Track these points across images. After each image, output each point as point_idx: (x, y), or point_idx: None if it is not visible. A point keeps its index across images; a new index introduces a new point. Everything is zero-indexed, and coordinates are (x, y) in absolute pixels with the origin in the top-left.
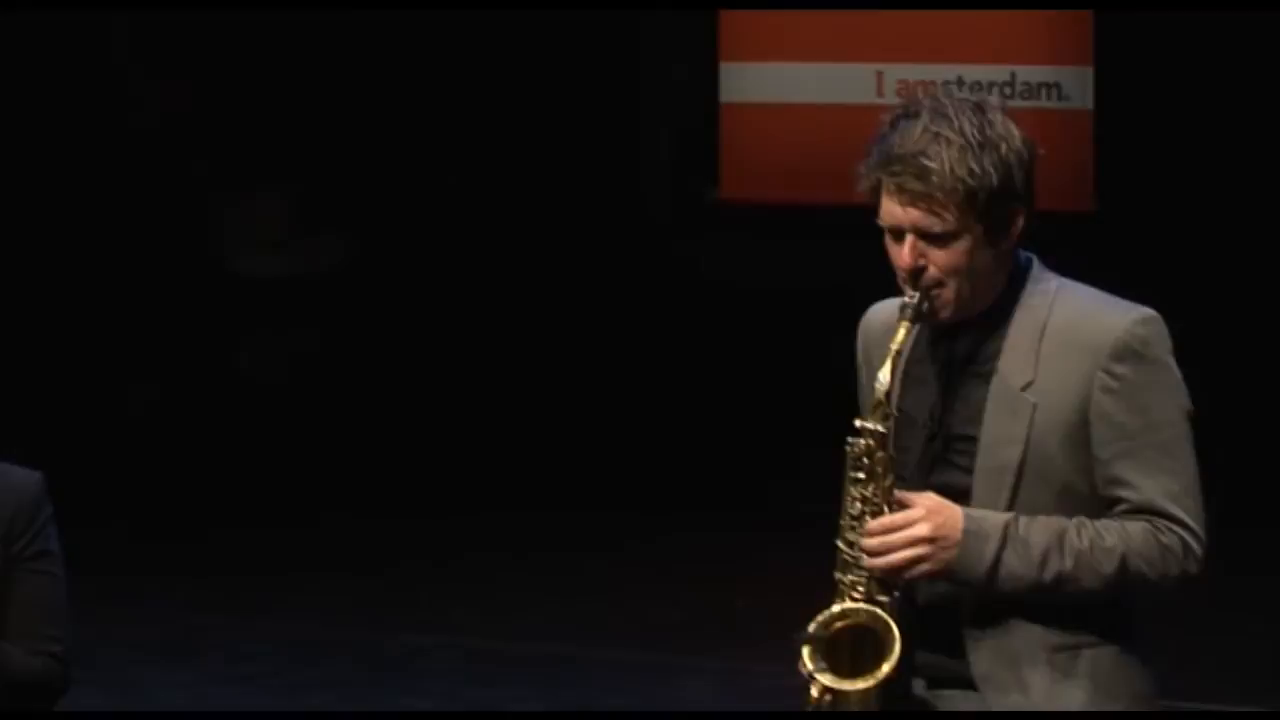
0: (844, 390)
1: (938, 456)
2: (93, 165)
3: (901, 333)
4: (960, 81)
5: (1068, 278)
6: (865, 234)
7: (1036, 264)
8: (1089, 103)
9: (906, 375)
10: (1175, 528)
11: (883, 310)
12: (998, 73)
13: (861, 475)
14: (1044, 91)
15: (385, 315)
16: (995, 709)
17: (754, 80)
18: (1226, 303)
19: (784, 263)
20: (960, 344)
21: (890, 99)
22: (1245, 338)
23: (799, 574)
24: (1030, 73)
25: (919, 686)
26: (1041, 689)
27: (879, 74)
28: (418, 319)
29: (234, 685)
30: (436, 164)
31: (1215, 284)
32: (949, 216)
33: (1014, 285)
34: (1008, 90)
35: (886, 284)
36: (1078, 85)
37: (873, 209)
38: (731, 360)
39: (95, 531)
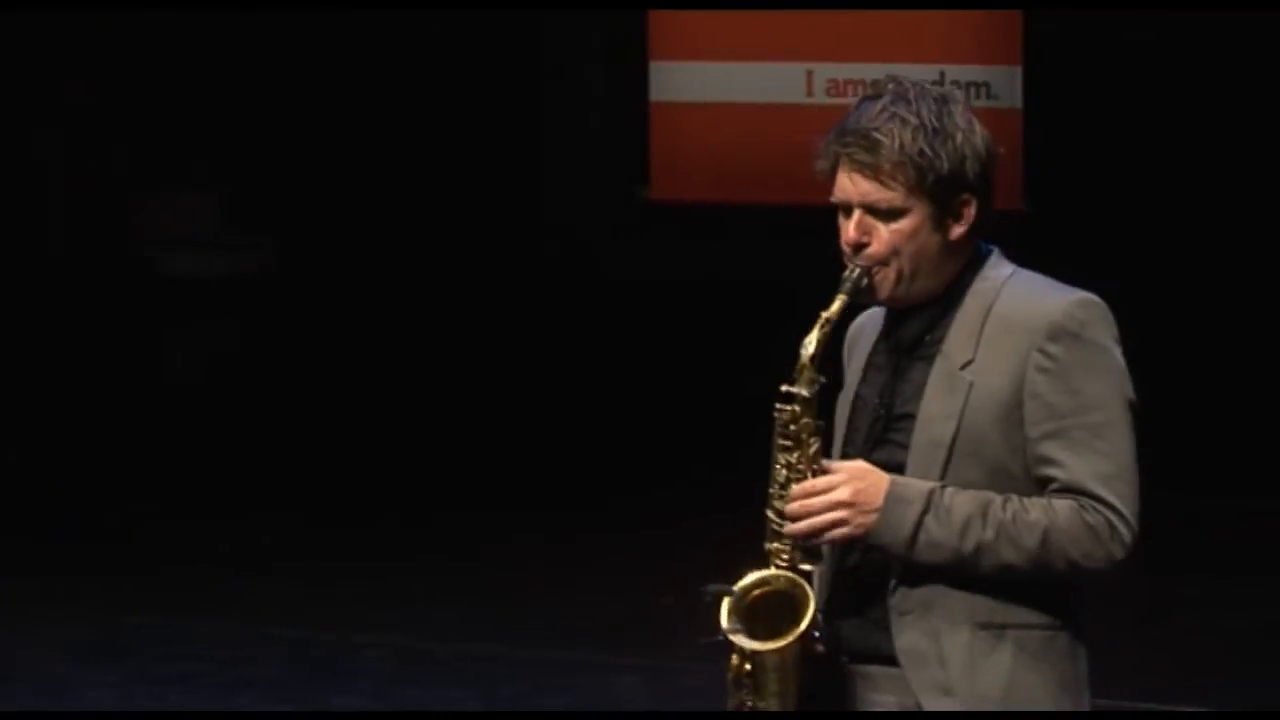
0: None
1: (880, 436)
2: (21, 164)
3: (836, 303)
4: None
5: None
6: (795, 232)
7: (997, 254)
8: (1018, 102)
9: (868, 363)
10: (1102, 509)
11: (870, 315)
12: (927, 72)
13: (788, 442)
14: (973, 91)
15: (313, 315)
16: (913, 683)
17: (683, 80)
18: (1154, 300)
19: (714, 261)
20: (910, 327)
21: (820, 98)
22: (1172, 335)
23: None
24: (960, 72)
25: (844, 661)
26: (960, 664)
27: (809, 73)
28: (346, 319)
29: (163, 685)
30: (362, 167)
31: (1143, 282)
32: (895, 191)
33: (967, 273)
34: (951, 88)
35: (817, 281)
36: (1007, 84)
37: (803, 207)
38: (660, 359)
39: (22, 531)
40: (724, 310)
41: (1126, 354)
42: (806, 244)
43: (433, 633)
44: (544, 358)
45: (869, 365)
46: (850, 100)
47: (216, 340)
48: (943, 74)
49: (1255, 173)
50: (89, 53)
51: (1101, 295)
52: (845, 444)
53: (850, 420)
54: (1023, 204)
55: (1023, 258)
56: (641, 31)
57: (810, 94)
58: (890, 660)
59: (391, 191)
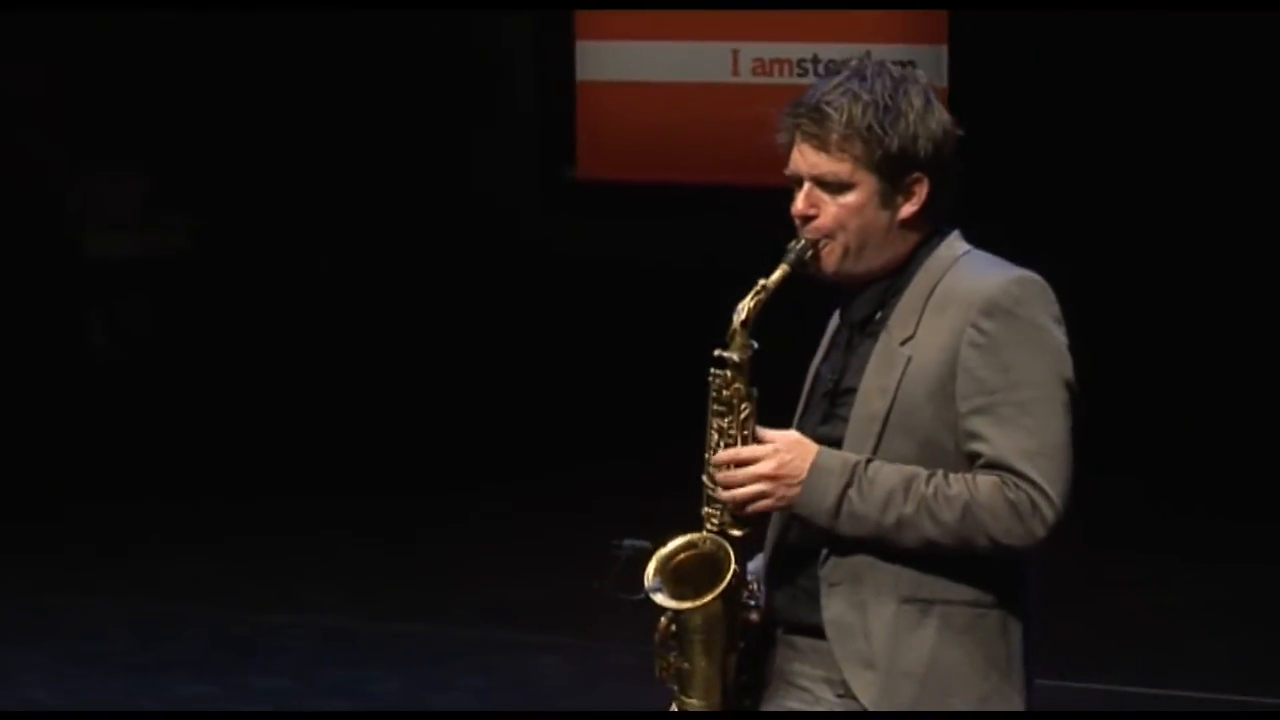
0: (701, 366)
1: (828, 410)
2: None
3: (777, 273)
4: (815, 59)
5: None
6: (723, 211)
7: (955, 235)
8: (943, 80)
9: (831, 340)
10: (1025, 485)
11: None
12: (852, 51)
13: (721, 407)
14: None
15: (236, 295)
16: (837, 655)
17: (610, 59)
18: (1077, 280)
19: (641, 240)
20: (861, 305)
21: (746, 77)
22: (1102, 314)
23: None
24: (885, 51)
25: (778, 633)
26: (884, 638)
27: (734, 52)
28: (272, 298)
29: (87, 664)
30: (287, 147)
31: (1065, 261)
32: (843, 164)
33: (919, 253)
34: (915, 69)
35: (744, 261)
36: (932, 63)
37: (729, 187)
38: (588, 337)
39: None
40: (650, 288)
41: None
42: (732, 222)
43: (355, 612)
44: (471, 337)
45: (831, 343)
46: (776, 80)
47: (139, 320)
48: (868, 53)
49: (1178, 149)
50: (12, 36)
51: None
52: (801, 418)
53: (809, 394)
54: None
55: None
56: (568, 11)
57: (736, 73)
58: (819, 632)
59: (318, 171)
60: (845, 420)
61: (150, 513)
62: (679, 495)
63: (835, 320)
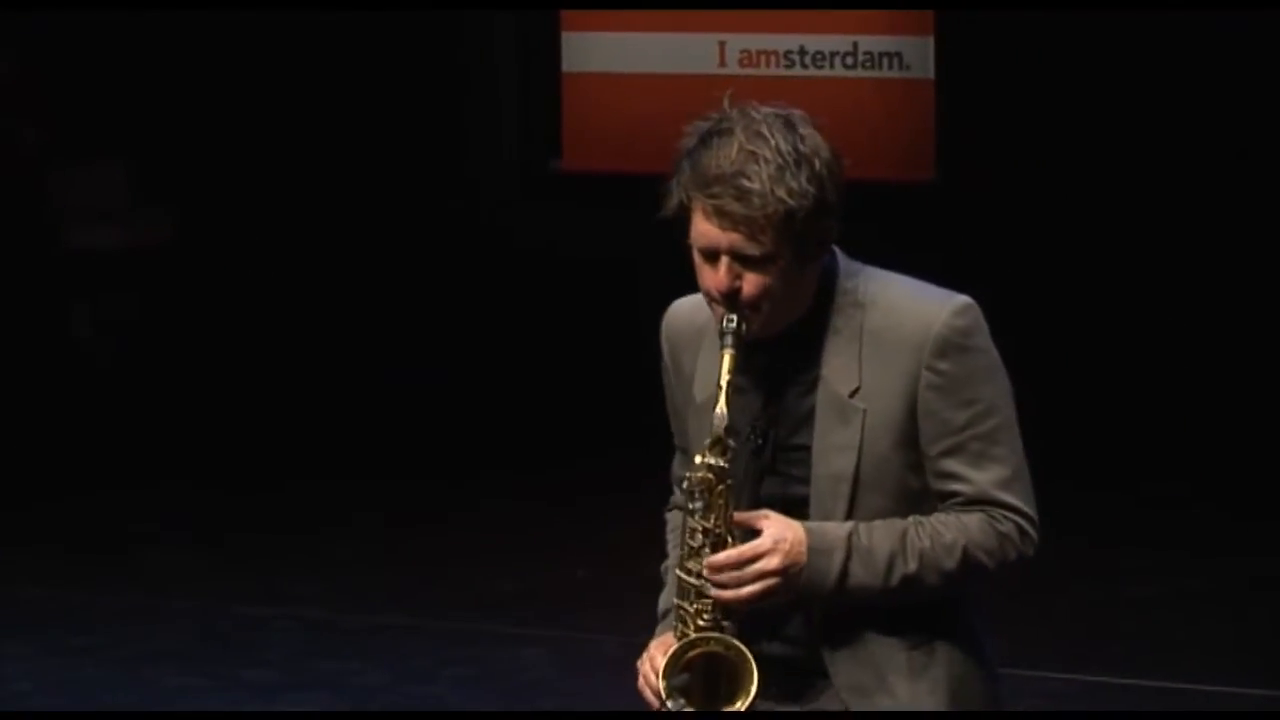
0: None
1: (767, 468)
2: None
3: (728, 360)
4: (802, 51)
5: (875, 264)
6: None
7: (841, 259)
8: (930, 72)
9: (728, 385)
10: (1010, 514)
11: (684, 308)
12: (840, 42)
13: (700, 505)
14: (885, 61)
15: (221, 286)
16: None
17: (596, 50)
18: (1062, 273)
19: (626, 233)
20: (779, 354)
21: (733, 69)
22: (1080, 308)
23: (637, 543)
24: (872, 42)
25: (771, 693)
26: (906, 689)
27: (721, 44)
28: (258, 291)
29: (73, 657)
30: (272, 139)
31: (1052, 254)
32: (766, 239)
33: (825, 287)
34: (849, 60)
35: None
36: (919, 55)
37: None
38: (574, 329)
39: None
40: (635, 280)
41: (1032, 326)
42: None
43: (341, 604)
44: (455, 328)
45: (729, 387)
46: (763, 71)
47: (123, 312)
48: (855, 45)
49: (1166, 143)
50: None
51: (1008, 267)
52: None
53: (719, 443)
54: (934, 175)
55: (932, 228)
56: (553, 2)
57: (723, 64)
58: (819, 674)
59: (303, 162)
60: (798, 480)
61: (135, 505)
62: (661, 488)
63: (694, 354)
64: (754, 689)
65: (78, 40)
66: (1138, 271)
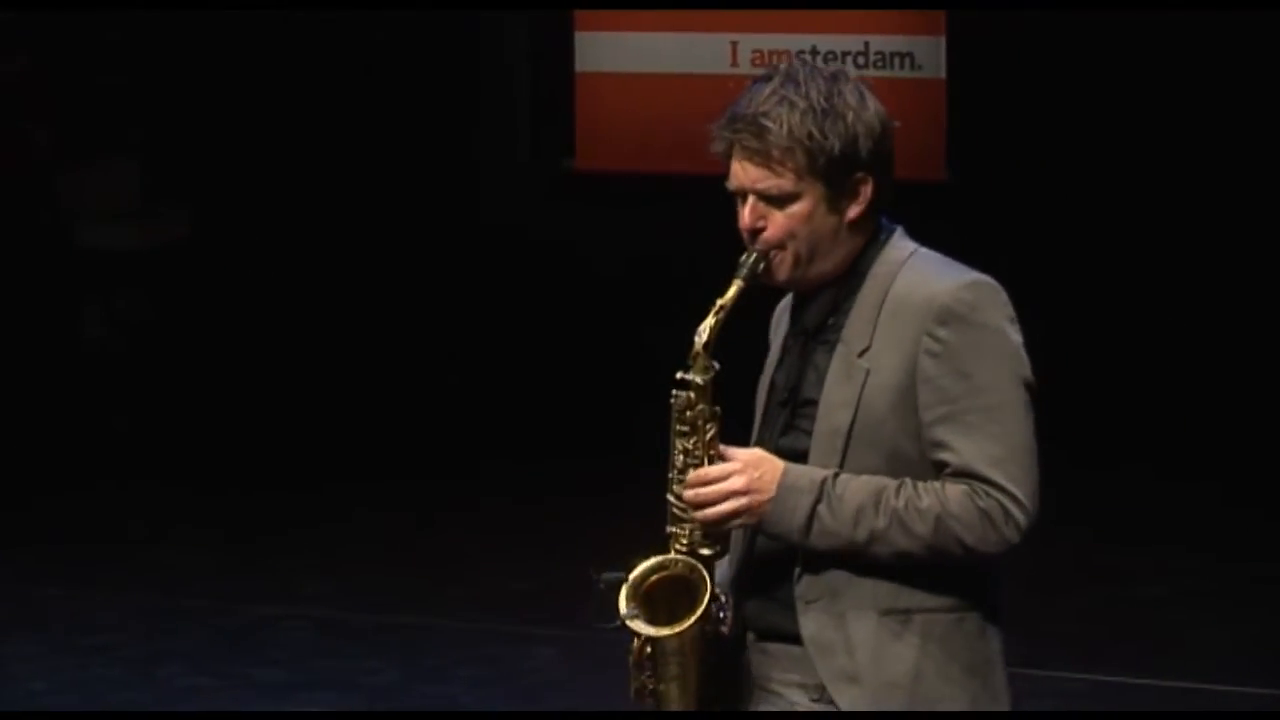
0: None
1: (788, 422)
2: None
3: (732, 290)
4: (814, 51)
5: (926, 247)
6: (721, 203)
7: (898, 233)
8: (941, 72)
9: (783, 346)
10: (995, 493)
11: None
12: (852, 42)
13: (684, 428)
14: (897, 61)
15: (235, 286)
16: (820, 671)
17: (609, 50)
18: (1074, 271)
19: (639, 232)
20: (811, 312)
21: (745, 69)
22: (1091, 307)
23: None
24: (884, 42)
25: (750, 639)
26: (867, 650)
27: (734, 44)
28: (271, 290)
29: (84, 656)
30: (285, 138)
31: (1063, 252)
32: (786, 177)
33: (869, 253)
34: (861, 60)
35: (741, 252)
36: (930, 55)
37: (727, 178)
38: (586, 328)
39: None
40: (648, 279)
41: (1044, 324)
42: (730, 214)
43: (351, 604)
44: (469, 327)
45: (784, 349)
46: None
47: (137, 311)
48: (867, 44)
49: (1177, 142)
50: (10, 24)
51: (1020, 266)
52: (760, 428)
53: (766, 404)
54: (945, 174)
55: (943, 228)
56: (567, 2)
57: (735, 64)
58: (795, 639)
59: (316, 162)
60: (806, 433)
61: (147, 504)
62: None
63: (783, 324)
64: (704, 604)
65: (90, 40)
66: (1149, 269)
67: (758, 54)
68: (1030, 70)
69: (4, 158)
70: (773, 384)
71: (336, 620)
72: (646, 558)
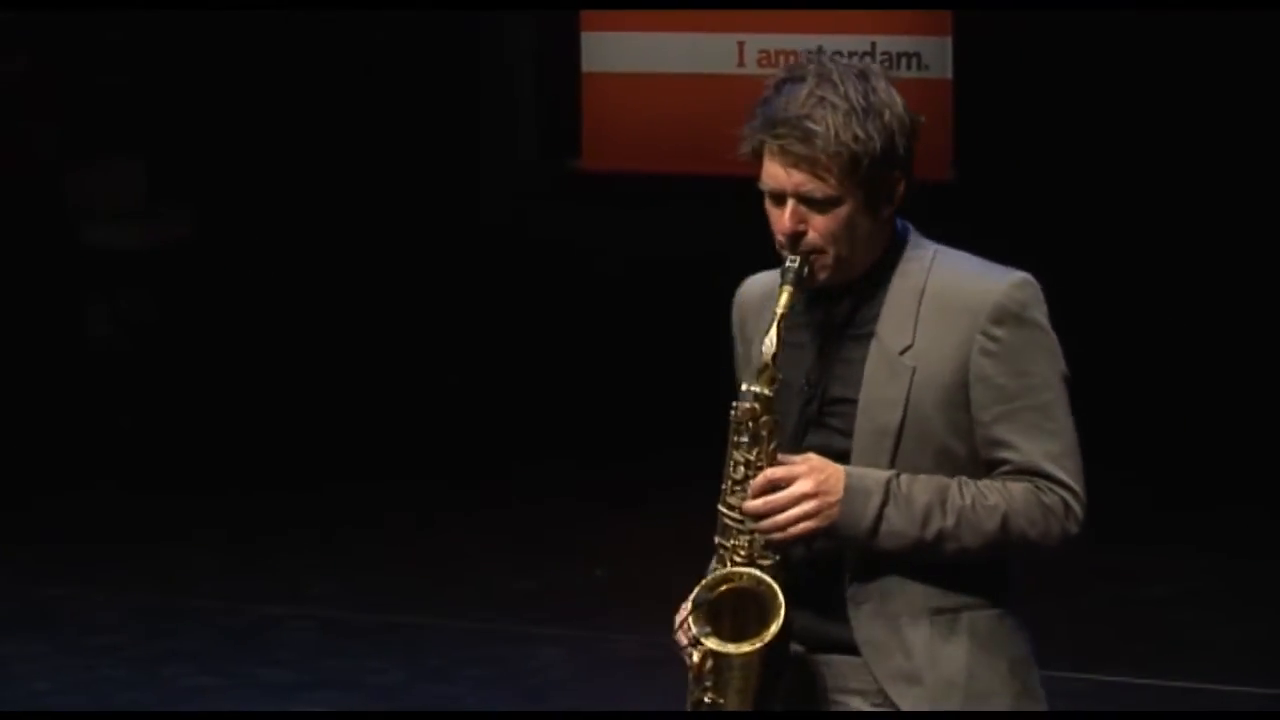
0: (705, 360)
1: (813, 419)
2: None
3: (785, 297)
4: (821, 51)
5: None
6: (727, 203)
7: (914, 232)
8: (948, 72)
9: (785, 342)
10: (1057, 488)
11: (758, 283)
12: (858, 43)
13: (745, 439)
14: (904, 61)
15: (239, 286)
16: (878, 674)
17: (615, 50)
18: (1079, 271)
19: (646, 232)
20: (838, 308)
21: (751, 69)
22: (1097, 307)
23: (656, 542)
24: (890, 42)
25: (798, 650)
26: (923, 651)
27: (740, 44)
28: (275, 290)
29: (89, 656)
30: (289, 137)
31: (1069, 253)
32: (831, 181)
33: (892, 251)
34: (868, 60)
35: (749, 252)
36: (937, 55)
37: (735, 178)
38: (593, 328)
39: None
40: (654, 280)
41: (1053, 323)
42: (737, 214)
43: (357, 604)
44: (475, 327)
45: (784, 343)
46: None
47: (141, 311)
48: (874, 45)
49: (1182, 141)
50: (15, 24)
51: (1028, 266)
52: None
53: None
54: (951, 175)
55: (951, 227)
56: (573, 2)
57: (741, 64)
58: (850, 648)
59: (320, 162)
60: (841, 432)
61: (152, 504)
62: (683, 489)
63: (759, 318)
64: (779, 623)
65: (95, 39)
66: (1156, 269)
67: (764, 54)
68: (1036, 70)
69: (8, 157)
70: (772, 347)
71: (341, 620)
72: (711, 571)
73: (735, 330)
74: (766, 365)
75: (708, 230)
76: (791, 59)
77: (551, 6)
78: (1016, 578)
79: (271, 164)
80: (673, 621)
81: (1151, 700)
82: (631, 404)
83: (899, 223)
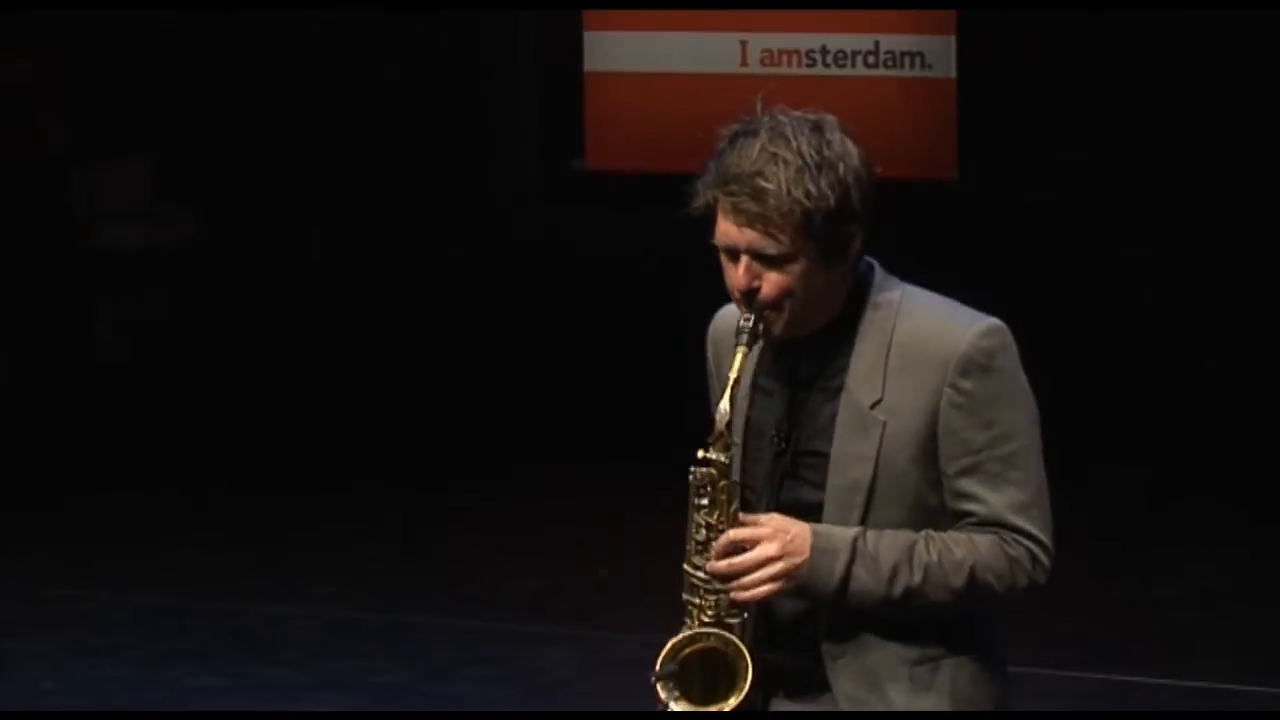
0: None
1: (787, 472)
2: None
3: (739, 358)
4: (824, 50)
5: (910, 282)
6: None
7: (878, 272)
8: (952, 71)
9: (754, 386)
10: (1023, 540)
11: (729, 313)
12: (862, 41)
13: (705, 503)
14: (907, 60)
15: (245, 287)
16: None
17: (618, 50)
18: (1083, 271)
19: (648, 233)
20: (805, 359)
21: (755, 68)
22: (1102, 306)
23: (659, 541)
24: (894, 42)
25: (779, 701)
26: (905, 704)
27: (743, 43)
28: (281, 291)
29: (94, 656)
30: (293, 138)
31: (1072, 252)
32: (784, 239)
33: (857, 298)
34: (871, 59)
35: None
36: (941, 54)
37: None
38: (594, 329)
39: None
40: (657, 280)
41: (1056, 327)
42: None
43: (362, 604)
44: (478, 329)
45: (756, 389)
46: (785, 71)
47: (147, 311)
48: (877, 44)
49: (1186, 141)
50: (21, 24)
51: (1032, 265)
52: (744, 465)
53: (745, 449)
54: (955, 175)
55: (955, 227)
56: (575, 2)
57: (745, 64)
58: (825, 687)
59: (325, 162)
60: (813, 485)
61: (158, 504)
62: (685, 488)
63: (729, 349)
64: (747, 686)
65: (101, 39)
66: (1160, 270)
67: (767, 53)
68: (1040, 70)
69: (15, 157)
70: (749, 423)
71: (345, 620)
72: (677, 632)
73: (710, 362)
74: (721, 433)
75: (710, 230)
76: (794, 58)
77: (554, 6)
78: (995, 622)
79: (276, 164)
80: (667, 638)
81: (1160, 700)
82: (634, 404)
83: (864, 262)
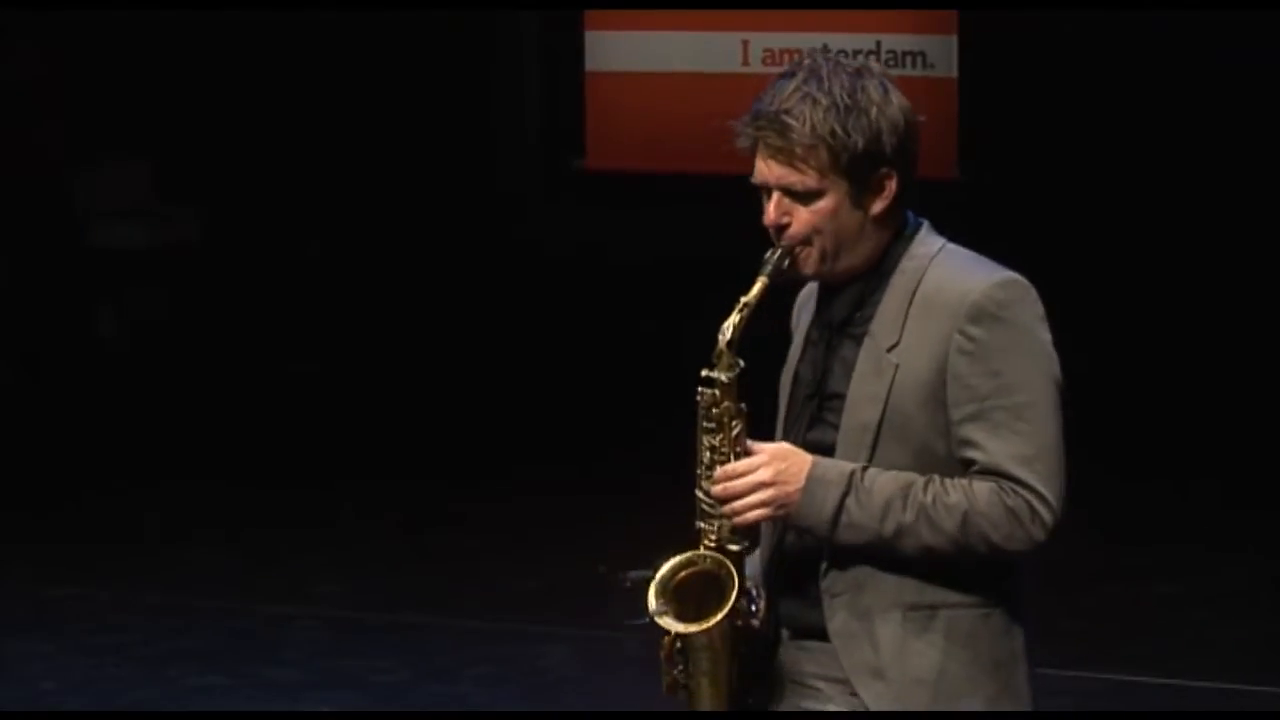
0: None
1: (814, 415)
2: None
3: (757, 287)
4: (826, 49)
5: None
6: (732, 202)
7: (925, 228)
8: (953, 71)
9: (806, 338)
10: (1022, 491)
11: (814, 286)
12: (864, 41)
13: (711, 425)
14: (909, 60)
15: (246, 286)
16: (845, 665)
17: (619, 49)
18: (1087, 269)
19: (650, 231)
20: (839, 305)
21: (756, 68)
22: (1106, 304)
23: (661, 540)
24: (896, 41)
25: (784, 636)
26: (891, 645)
27: (744, 42)
28: (282, 289)
29: (96, 655)
30: (296, 137)
31: (1075, 250)
32: (810, 174)
33: (895, 248)
34: (873, 59)
35: (752, 251)
36: (942, 53)
37: (739, 177)
38: (596, 328)
39: None
40: (659, 278)
41: (1058, 324)
42: (741, 213)
43: (364, 603)
44: (480, 325)
45: (806, 341)
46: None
47: (149, 310)
48: (879, 43)
49: (1189, 140)
50: (21, 24)
51: (1035, 264)
52: (785, 421)
53: (790, 396)
54: (957, 172)
55: (957, 226)
56: (577, 2)
57: (746, 63)
58: (825, 635)
59: (326, 162)
60: (834, 426)
61: (160, 503)
62: (686, 488)
63: (805, 316)
64: (731, 602)
65: (104, 40)
66: (1165, 266)
67: (769, 53)
68: (1042, 69)
69: (18, 158)
70: (797, 376)
71: (348, 620)
72: (674, 554)
73: (793, 323)
74: (722, 351)
75: (711, 229)
76: (796, 58)
77: (556, 6)
78: (1020, 578)
79: (278, 164)
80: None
81: (1160, 700)
82: (636, 401)
83: (911, 218)
